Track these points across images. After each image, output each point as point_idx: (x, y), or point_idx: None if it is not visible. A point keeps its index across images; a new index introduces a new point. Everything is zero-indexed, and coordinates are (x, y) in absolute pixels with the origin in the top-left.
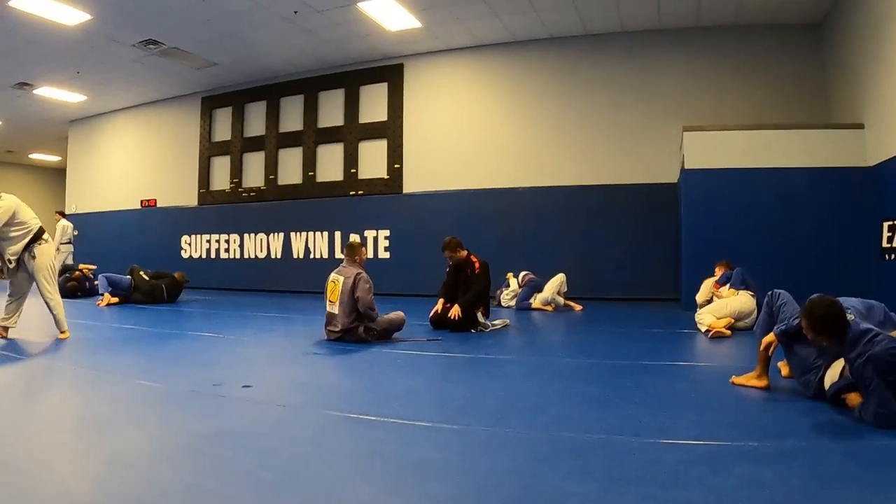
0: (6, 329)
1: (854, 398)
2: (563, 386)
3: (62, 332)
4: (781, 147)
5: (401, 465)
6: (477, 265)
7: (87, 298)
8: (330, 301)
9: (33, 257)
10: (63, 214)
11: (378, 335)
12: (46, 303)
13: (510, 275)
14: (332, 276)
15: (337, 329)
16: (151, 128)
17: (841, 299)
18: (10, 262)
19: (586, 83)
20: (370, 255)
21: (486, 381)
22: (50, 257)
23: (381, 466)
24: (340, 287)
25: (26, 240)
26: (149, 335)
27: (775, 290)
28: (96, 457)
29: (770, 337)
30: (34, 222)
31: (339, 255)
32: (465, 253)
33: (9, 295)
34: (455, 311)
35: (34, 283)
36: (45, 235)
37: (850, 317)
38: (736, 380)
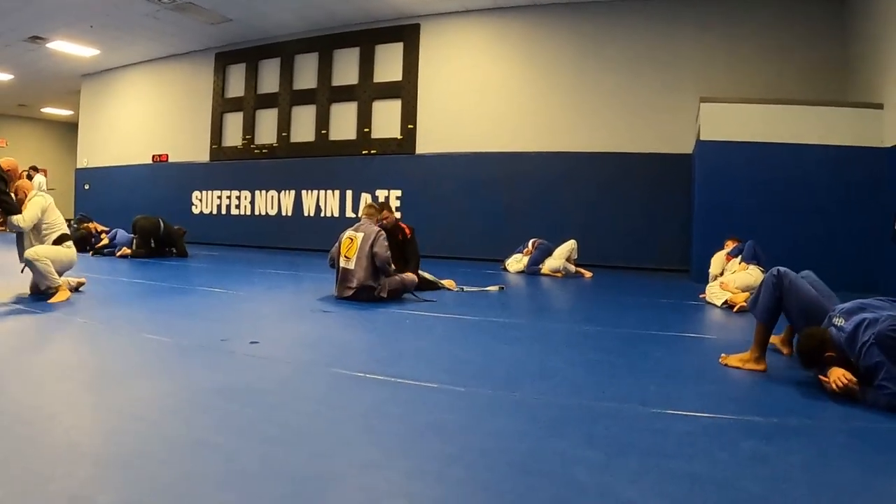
0: (81, 284)
1: (835, 373)
2: (571, 352)
3: (58, 291)
4: (799, 123)
5: (407, 426)
6: (408, 231)
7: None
8: (346, 257)
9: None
10: (36, 170)
11: (390, 294)
12: (29, 258)
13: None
14: (349, 232)
15: (353, 285)
16: (164, 83)
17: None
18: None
19: (603, 49)
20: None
21: (494, 344)
22: (63, 251)
23: (388, 426)
24: (359, 243)
25: (52, 237)
26: (158, 289)
27: (782, 271)
28: (104, 409)
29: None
30: (61, 225)
31: (350, 213)
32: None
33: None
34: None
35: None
36: (69, 243)
37: (837, 321)
38: (728, 361)
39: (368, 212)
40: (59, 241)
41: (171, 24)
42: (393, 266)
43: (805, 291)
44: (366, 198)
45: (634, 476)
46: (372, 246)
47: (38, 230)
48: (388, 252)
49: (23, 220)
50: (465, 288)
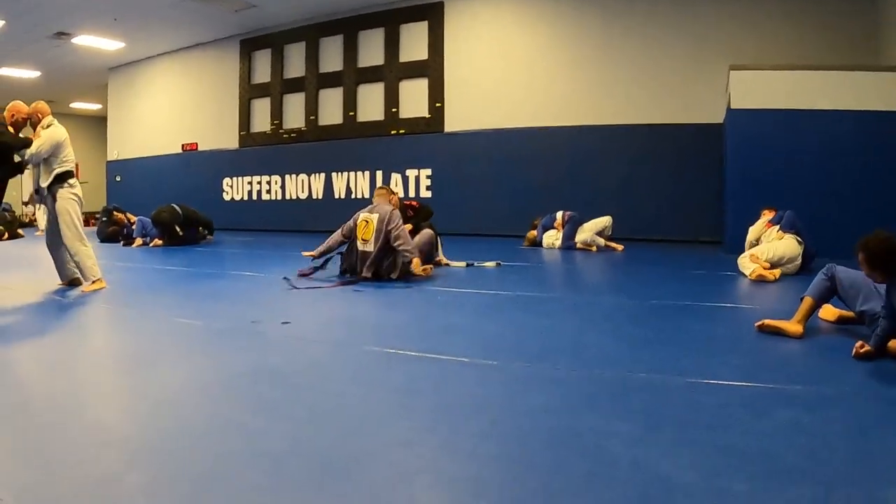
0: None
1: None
2: (604, 325)
3: (92, 282)
4: (832, 89)
5: (439, 402)
6: (416, 204)
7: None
8: (363, 240)
9: (55, 201)
10: None
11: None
12: (67, 249)
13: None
14: (363, 214)
15: (371, 268)
16: (191, 72)
17: None
18: (34, 190)
19: (629, 20)
20: (412, 193)
21: (527, 318)
22: (68, 200)
23: (420, 402)
24: (375, 224)
25: (57, 171)
26: (189, 275)
27: (836, 266)
28: (134, 392)
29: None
30: (72, 161)
31: (383, 186)
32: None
33: (48, 247)
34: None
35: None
36: (72, 180)
37: None
38: (767, 322)
39: (380, 192)
40: (61, 178)
41: (195, 13)
42: (412, 247)
43: (854, 272)
44: (396, 178)
45: (669, 449)
46: (387, 224)
47: (49, 163)
48: (403, 229)
49: (35, 147)
50: (475, 263)
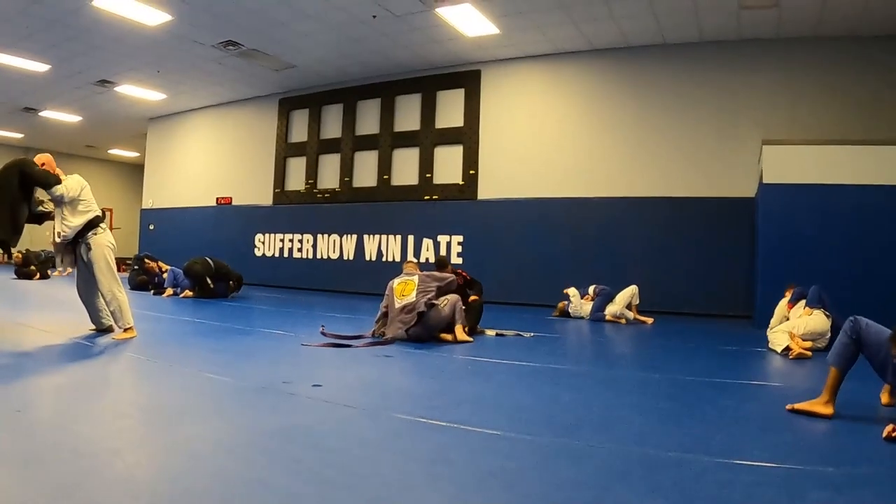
0: (111, 328)
1: None
2: (634, 400)
3: (124, 330)
4: (866, 163)
5: (468, 473)
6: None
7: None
8: (403, 296)
9: (89, 248)
10: None
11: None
12: (103, 296)
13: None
14: (400, 278)
15: (413, 312)
16: (229, 127)
17: None
18: (64, 234)
19: (662, 93)
20: None
21: (557, 391)
22: (103, 247)
23: (448, 473)
24: (417, 282)
25: (88, 216)
26: (219, 330)
27: (858, 317)
28: (162, 446)
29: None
30: (96, 206)
31: (412, 259)
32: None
33: (79, 297)
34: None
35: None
36: (103, 225)
37: None
38: (797, 406)
39: (409, 265)
40: (92, 223)
41: (236, 70)
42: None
43: (880, 335)
44: (427, 243)
45: None
46: (432, 281)
47: (74, 205)
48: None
49: (64, 187)
50: (504, 332)
